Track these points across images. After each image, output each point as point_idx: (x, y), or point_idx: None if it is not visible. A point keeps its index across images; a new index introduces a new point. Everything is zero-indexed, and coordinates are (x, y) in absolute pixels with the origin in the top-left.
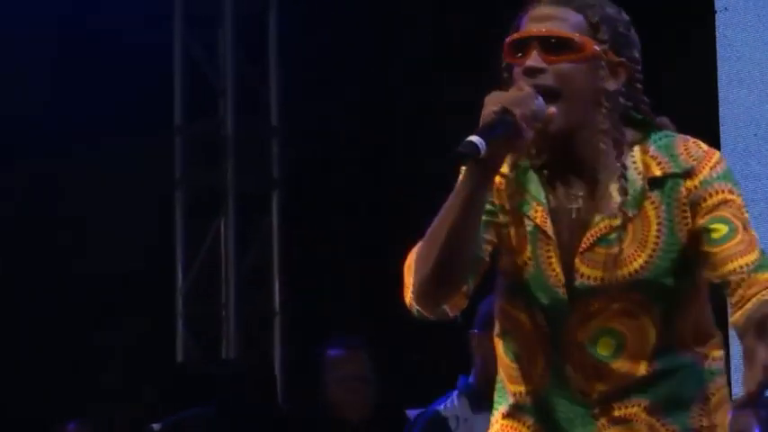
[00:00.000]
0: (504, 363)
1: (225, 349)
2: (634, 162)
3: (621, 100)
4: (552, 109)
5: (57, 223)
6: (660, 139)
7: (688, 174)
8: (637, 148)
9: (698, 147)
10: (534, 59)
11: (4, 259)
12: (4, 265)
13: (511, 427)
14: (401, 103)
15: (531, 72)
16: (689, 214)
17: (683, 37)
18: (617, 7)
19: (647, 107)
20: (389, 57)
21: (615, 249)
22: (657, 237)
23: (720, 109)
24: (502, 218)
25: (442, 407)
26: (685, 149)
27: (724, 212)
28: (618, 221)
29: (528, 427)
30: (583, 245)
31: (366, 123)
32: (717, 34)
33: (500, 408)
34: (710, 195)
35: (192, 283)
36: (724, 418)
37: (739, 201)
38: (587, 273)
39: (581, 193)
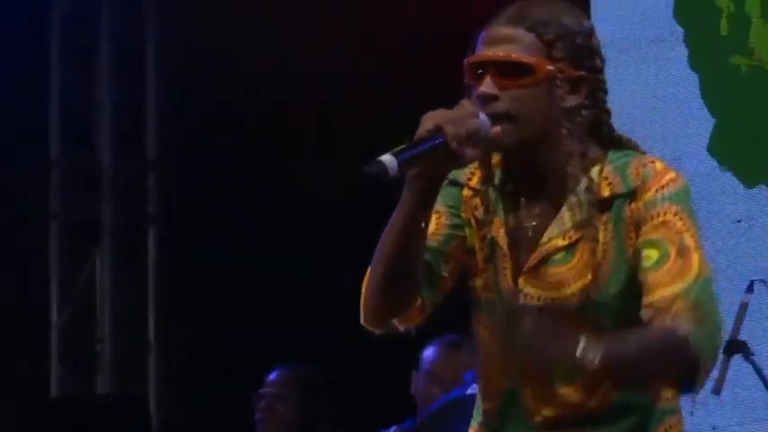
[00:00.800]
0: (478, 379)
1: (100, 384)
2: (590, 182)
3: (584, 112)
4: (497, 128)
5: None
6: (618, 158)
7: (633, 194)
8: (595, 168)
9: (653, 167)
10: (487, 85)
11: None
12: None
13: None
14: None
15: (484, 99)
16: (634, 235)
17: None
18: (576, 16)
19: (608, 118)
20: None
21: (560, 270)
22: (604, 258)
23: None
24: (468, 232)
25: None
26: (637, 169)
27: (660, 236)
28: (565, 242)
29: None
30: (529, 264)
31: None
32: None
33: (474, 424)
34: (652, 217)
35: (68, 318)
36: None
37: (681, 224)
38: (531, 293)
39: (537, 211)
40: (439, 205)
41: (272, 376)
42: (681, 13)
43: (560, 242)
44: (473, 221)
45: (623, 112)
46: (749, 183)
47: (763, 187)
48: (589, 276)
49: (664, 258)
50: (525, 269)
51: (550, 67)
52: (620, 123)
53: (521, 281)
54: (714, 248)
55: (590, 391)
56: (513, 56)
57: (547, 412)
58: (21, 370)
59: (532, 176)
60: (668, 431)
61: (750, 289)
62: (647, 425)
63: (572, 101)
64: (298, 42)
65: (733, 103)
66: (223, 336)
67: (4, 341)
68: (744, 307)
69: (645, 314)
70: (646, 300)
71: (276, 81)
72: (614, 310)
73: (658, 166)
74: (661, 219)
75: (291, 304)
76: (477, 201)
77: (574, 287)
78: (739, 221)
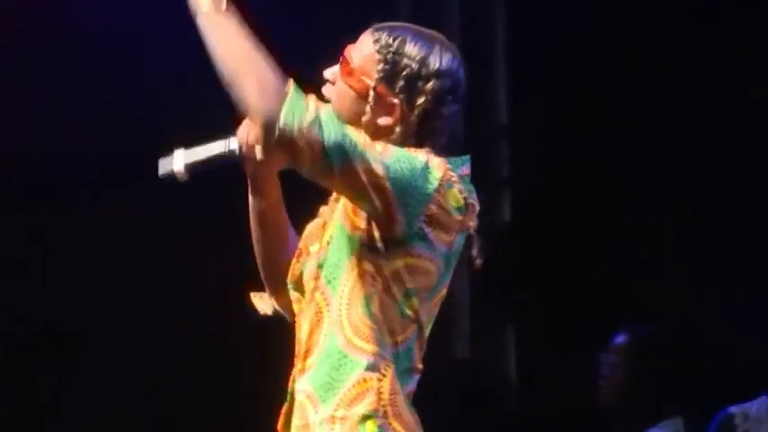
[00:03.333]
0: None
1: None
2: None
3: (393, 137)
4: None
5: None
6: None
7: None
8: None
9: None
10: (331, 71)
11: None
12: None
13: None
14: None
15: (324, 81)
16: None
17: None
18: (423, 55)
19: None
20: None
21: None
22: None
23: None
24: None
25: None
26: None
27: None
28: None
29: None
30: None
31: None
32: None
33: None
34: None
35: None
36: (358, 410)
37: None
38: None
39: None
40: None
41: (614, 341)
42: None
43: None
44: None
45: None
46: None
47: None
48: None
49: None
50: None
51: (368, 81)
52: None
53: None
54: None
55: (310, 342)
56: (347, 56)
57: (298, 364)
58: None
59: None
60: (363, 383)
61: None
62: (346, 374)
63: (383, 121)
64: None
65: None
66: (566, 295)
67: None
68: None
69: None
70: None
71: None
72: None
73: None
74: None
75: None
76: None
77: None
78: None
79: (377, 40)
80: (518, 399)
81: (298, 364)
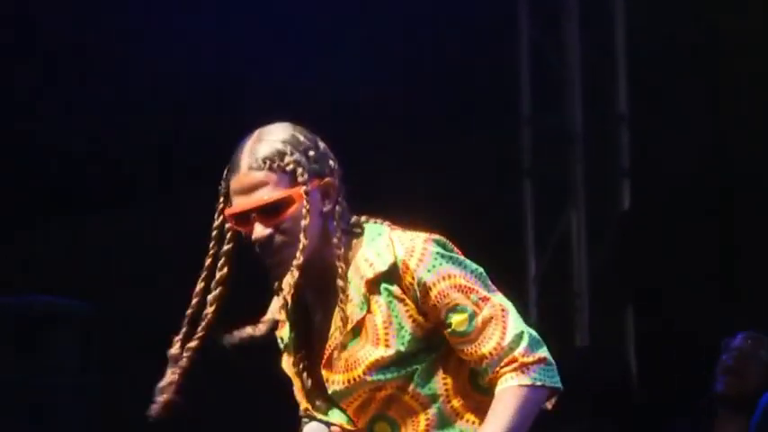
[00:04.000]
0: None
1: (578, 337)
2: (357, 268)
3: (337, 209)
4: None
5: None
6: (372, 239)
7: (394, 271)
8: (360, 253)
9: (399, 241)
10: (258, 231)
11: None
12: None
13: None
14: None
15: (262, 245)
16: (411, 305)
17: None
18: (299, 133)
19: (347, 213)
20: None
21: (350, 353)
22: (386, 331)
23: None
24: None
25: None
26: (387, 246)
27: (454, 300)
28: (347, 328)
29: None
30: (324, 356)
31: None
32: None
33: None
34: (430, 289)
35: (544, 274)
36: None
37: (461, 279)
38: (333, 378)
39: (319, 309)
40: None
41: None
42: None
43: (343, 331)
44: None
45: None
46: None
47: None
48: (378, 350)
49: (471, 318)
50: (323, 362)
51: (303, 189)
52: None
53: (324, 373)
54: None
55: None
56: (269, 198)
57: None
58: None
59: (315, 281)
60: None
61: None
62: None
63: (327, 205)
64: None
65: None
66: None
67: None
68: None
69: (482, 369)
70: (474, 359)
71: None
72: (409, 373)
73: (406, 237)
74: (441, 286)
75: None
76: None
77: (367, 362)
78: None
79: (269, 167)
80: (638, 385)
81: None
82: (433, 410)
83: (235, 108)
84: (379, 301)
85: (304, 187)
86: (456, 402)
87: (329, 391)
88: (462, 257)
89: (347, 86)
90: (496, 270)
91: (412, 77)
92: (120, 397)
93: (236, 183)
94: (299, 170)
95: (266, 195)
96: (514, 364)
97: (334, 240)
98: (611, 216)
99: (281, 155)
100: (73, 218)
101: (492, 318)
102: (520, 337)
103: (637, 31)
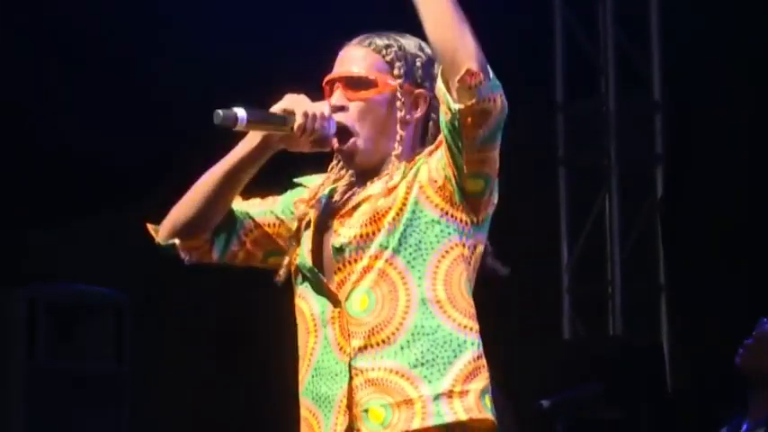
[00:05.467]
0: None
1: (611, 325)
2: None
3: (420, 125)
4: (335, 141)
5: None
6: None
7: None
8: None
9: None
10: (337, 98)
11: None
12: None
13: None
14: None
15: (335, 110)
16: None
17: None
18: (417, 44)
19: (435, 125)
20: None
21: (370, 209)
22: (402, 209)
23: None
24: (290, 218)
25: None
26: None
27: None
28: (377, 191)
29: (307, 409)
30: (343, 210)
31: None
32: None
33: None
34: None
35: (578, 261)
36: (477, 385)
37: None
38: (343, 232)
39: (357, 187)
40: (278, 195)
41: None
42: None
43: (374, 194)
44: (301, 216)
45: None
46: None
47: None
48: (390, 214)
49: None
50: (343, 213)
51: (392, 83)
52: None
53: (335, 223)
54: None
55: (389, 317)
56: (357, 72)
57: (355, 343)
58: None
59: (357, 169)
60: (475, 361)
61: None
62: (455, 351)
63: (412, 114)
64: None
65: None
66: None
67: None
68: None
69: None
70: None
71: None
72: (412, 250)
73: None
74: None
75: None
76: (313, 201)
77: (381, 222)
78: None
79: (373, 49)
80: (670, 372)
81: (354, 342)
82: (418, 295)
83: None
84: (406, 190)
85: (395, 81)
86: (442, 294)
87: (335, 244)
88: None
89: None
90: (530, 257)
91: None
92: (152, 386)
93: (341, 54)
94: (398, 64)
95: (356, 69)
96: None
97: (398, 146)
98: (644, 203)
99: (389, 46)
100: (111, 209)
101: None
102: None
103: (671, 18)
